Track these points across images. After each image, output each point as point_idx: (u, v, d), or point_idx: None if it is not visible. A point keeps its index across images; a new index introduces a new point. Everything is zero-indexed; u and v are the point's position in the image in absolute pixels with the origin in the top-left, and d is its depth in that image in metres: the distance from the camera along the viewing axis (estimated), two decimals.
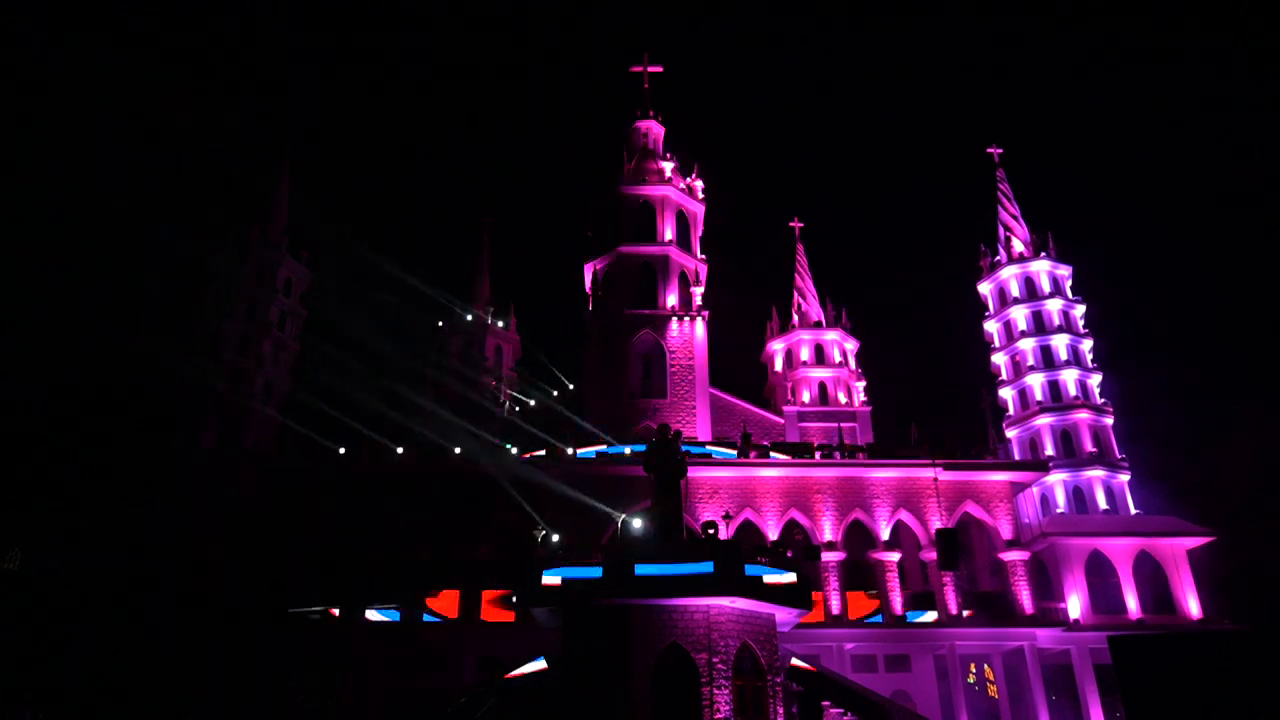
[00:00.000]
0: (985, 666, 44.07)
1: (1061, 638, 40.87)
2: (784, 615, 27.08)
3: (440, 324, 60.47)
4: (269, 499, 42.54)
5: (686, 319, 50.77)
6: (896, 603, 40.54)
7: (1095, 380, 50.26)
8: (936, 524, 40.85)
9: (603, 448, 42.60)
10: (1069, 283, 53.71)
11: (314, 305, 54.21)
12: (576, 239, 57.82)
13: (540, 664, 28.67)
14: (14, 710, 23.31)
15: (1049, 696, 39.94)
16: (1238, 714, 13.85)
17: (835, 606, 40.23)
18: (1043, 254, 54.24)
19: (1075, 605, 42.05)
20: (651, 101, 61.13)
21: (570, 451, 42.26)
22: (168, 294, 57.15)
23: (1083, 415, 48.65)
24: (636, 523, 35.11)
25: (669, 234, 53.81)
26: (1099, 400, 49.72)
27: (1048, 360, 50.77)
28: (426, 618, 39.45)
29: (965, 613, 40.43)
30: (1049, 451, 47.90)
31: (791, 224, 63.09)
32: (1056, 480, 46.79)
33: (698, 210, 56.52)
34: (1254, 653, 14.81)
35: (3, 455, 50.82)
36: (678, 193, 55.50)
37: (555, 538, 34.01)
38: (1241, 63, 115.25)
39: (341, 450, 42.33)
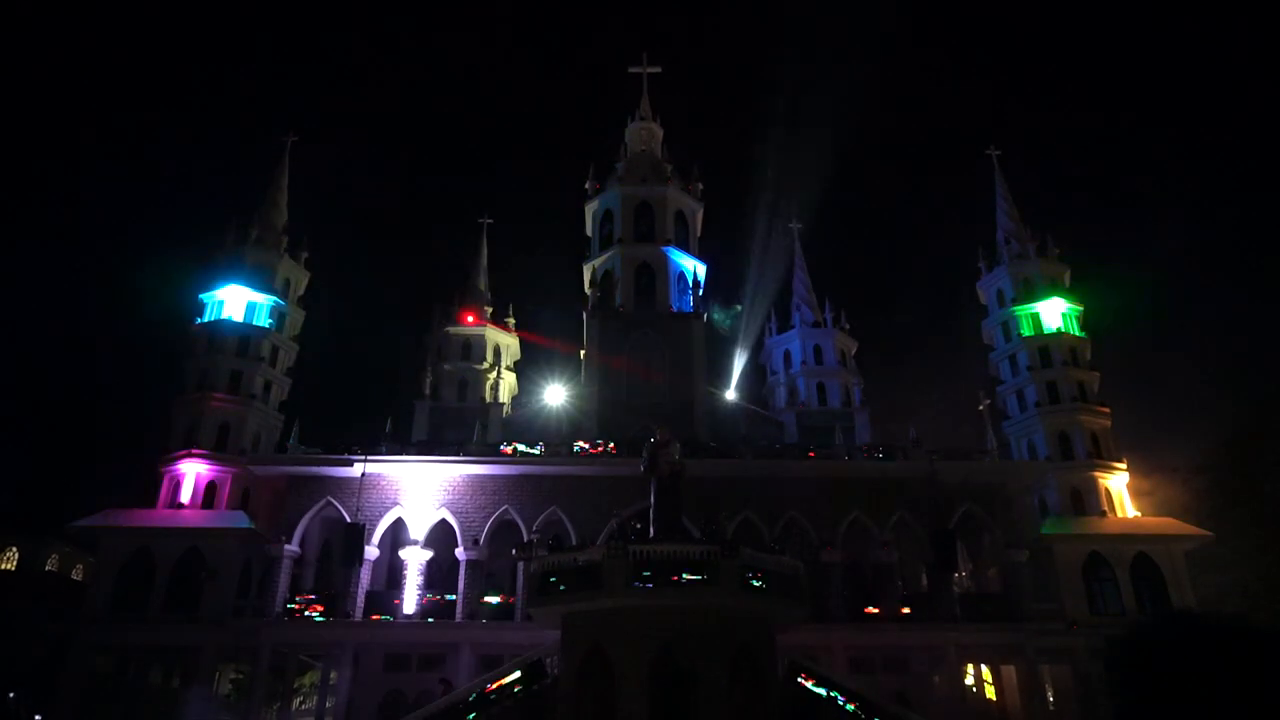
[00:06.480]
0: (983, 667, 43.93)
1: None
2: (782, 615, 27.07)
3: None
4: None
5: (685, 319, 50.64)
6: (894, 604, 40.43)
7: (1093, 380, 50.10)
8: (935, 525, 40.69)
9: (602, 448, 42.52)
10: (1066, 283, 53.62)
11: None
12: (576, 239, 57.81)
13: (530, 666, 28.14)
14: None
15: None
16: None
17: (833, 607, 40.09)
18: (1040, 254, 54.15)
19: (1073, 606, 42.00)
20: (650, 102, 61.15)
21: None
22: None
23: (1080, 416, 48.50)
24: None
25: (668, 234, 53.80)
26: (1097, 400, 49.55)
27: (1045, 360, 50.57)
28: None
29: (965, 614, 40.30)
30: (1047, 452, 47.73)
31: (791, 225, 63.27)
32: (1054, 481, 46.65)
33: (696, 210, 56.53)
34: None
35: None
36: (676, 193, 55.45)
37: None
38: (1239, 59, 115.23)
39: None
